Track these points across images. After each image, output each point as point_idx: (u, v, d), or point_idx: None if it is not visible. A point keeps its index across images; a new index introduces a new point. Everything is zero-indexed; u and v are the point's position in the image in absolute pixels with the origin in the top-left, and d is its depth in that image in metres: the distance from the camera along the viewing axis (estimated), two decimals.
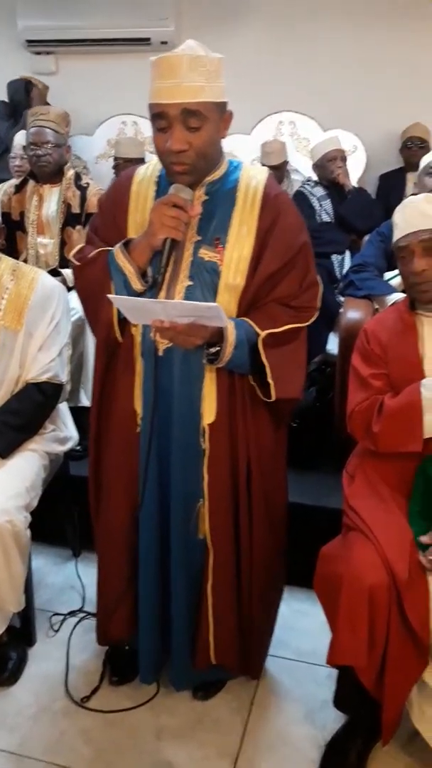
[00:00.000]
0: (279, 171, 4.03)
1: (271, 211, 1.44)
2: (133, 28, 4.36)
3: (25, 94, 4.29)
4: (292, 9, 4.47)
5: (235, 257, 1.43)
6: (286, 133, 4.46)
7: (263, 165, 4.02)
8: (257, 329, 1.42)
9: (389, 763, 1.57)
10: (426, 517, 1.50)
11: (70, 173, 2.88)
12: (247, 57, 4.56)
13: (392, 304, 2.04)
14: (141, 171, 1.52)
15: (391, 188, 4.09)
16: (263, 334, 1.41)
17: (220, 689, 1.80)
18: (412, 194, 2.52)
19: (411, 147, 4.01)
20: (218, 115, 1.36)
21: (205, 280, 1.43)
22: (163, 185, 1.46)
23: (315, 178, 3.65)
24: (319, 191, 3.53)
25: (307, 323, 1.52)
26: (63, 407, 2.13)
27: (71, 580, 2.25)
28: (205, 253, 1.42)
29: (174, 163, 1.34)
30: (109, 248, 1.45)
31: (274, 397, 1.46)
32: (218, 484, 1.53)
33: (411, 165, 3.89)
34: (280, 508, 1.69)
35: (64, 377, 1.97)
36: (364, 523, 1.48)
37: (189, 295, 1.43)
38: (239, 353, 1.40)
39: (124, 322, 1.46)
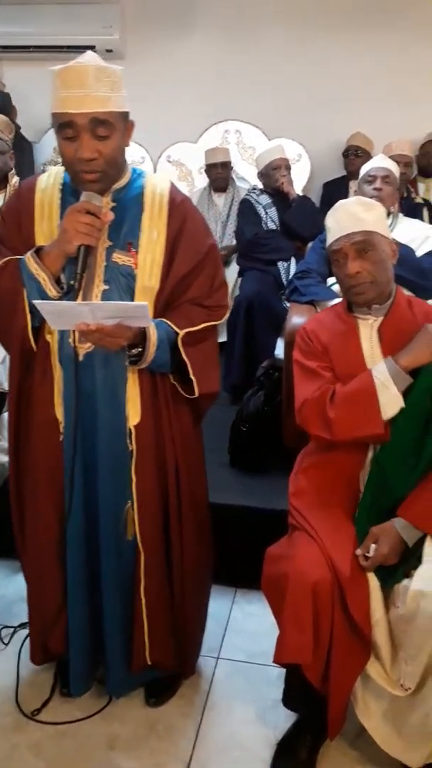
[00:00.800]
0: (224, 170, 4.09)
1: (178, 217, 1.50)
2: (78, 35, 4.36)
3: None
4: (237, 19, 4.55)
5: (148, 260, 1.47)
6: (232, 142, 4.52)
7: (209, 165, 4.11)
8: (176, 328, 1.47)
9: (338, 759, 1.60)
10: (376, 511, 1.52)
11: (14, 180, 2.85)
12: (193, 66, 4.61)
13: (328, 307, 2.07)
14: (43, 179, 1.54)
15: (335, 196, 4.16)
16: (182, 333, 1.47)
17: (173, 695, 1.80)
18: None
19: (351, 156, 4.12)
20: (123, 125, 1.40)
21: (122, 284, 1.47)
22: (67, 193, 1.49)
23: (260, 186, 3.71)
24: (265, 199, 3.58)
25: (220, 321, 1.59)
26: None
27: (21, 592, 2.20)
28: (119, 258, 1.46)
29: (84, 171, 1.37)
30: (19, 257, 1.45)
31: (197, 394, 1.52)
32: (147, 484, 1.56)
33: (353, 173, 3.99)
34: (204, 502, 1.75)
35: (6, 385, 1.94)
36: (308, 523, 1.51)
37: (106, 298, 1.46)
38: (161, 353, 1.44)
39: (36, 330, 1.47)
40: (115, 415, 1.51)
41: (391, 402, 1.50)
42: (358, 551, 1.46)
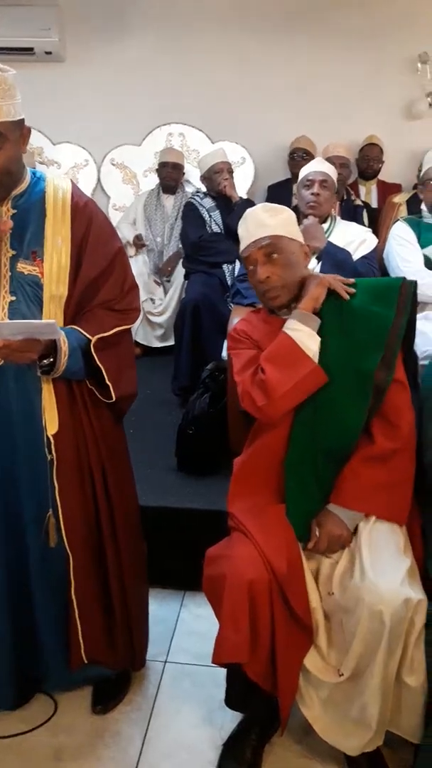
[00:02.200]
0: (175, 172, 4.10)
1: (82, 220, 1.50)
2: (15, 37, 4.29)
3: None
4: (179, 22, 4.55)
5: (54, 268, 1.47)
6: (176, 145, 4.53)
7: (160, 163, 4.12)
8: (87, 335, 1.47)
9: (282, 755, 1.62)
10: (304, 497, 1.56)
11: None
12: (135, 69, 4.59)
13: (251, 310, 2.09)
14: None
15: (279, 199, 4.22)
16: (94, 339, 1.48)
17: (119, 702, 1.79)
18: (295, 206, 2.65)
19: (296, 159, 4.17)
20: (18, 133, 1.40)
21: (29, 294, 1.46)
22: None
23: (204, 189, 3.74)
24: (208, 202, 3.61)
25: (131, 324, 1.60)
26: None
27: None
28: (24, 267, 1.45)
29: None
30: None
31: (114, 398, 1.53)
32: (70, 491, 1.56)
33: (296, 176, 4.04)
34: (133, 498, 1.76)
35: None
36: (243, 525, 1.53)
37: (14, 310, 1.44)
38: (73, 361, 1.44)
39: None
40: (31, 425, 1.50)
41: (308, 338, 1.53)
42: (310, 545, 1.50)
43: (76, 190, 1.53)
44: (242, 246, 1.64)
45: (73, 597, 1.60)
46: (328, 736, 1.48)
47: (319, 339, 1.54)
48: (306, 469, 1.57)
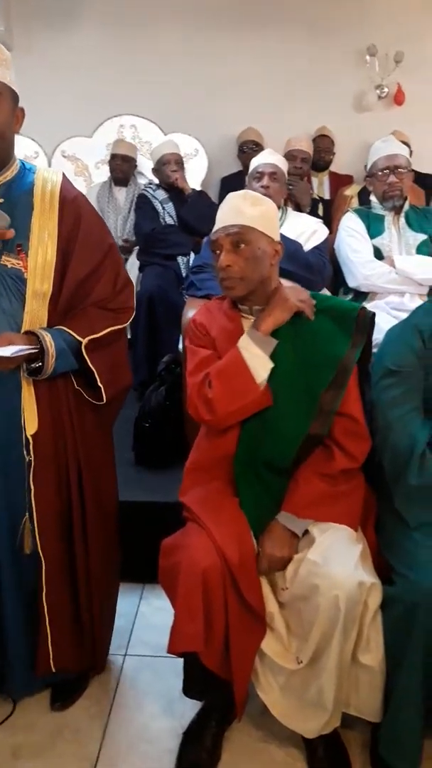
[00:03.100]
0: (125, 164, 4.07)
1: (71, 215, 1.45)
2: None
3: None
4: (130, 12, 4.51)
5: (39, 263, 1.42)
6: (128, 137, 4.48)
7: (111, 155, 4.10)
8: (77, 337, 1.43)
9: (243, 740, 1.64)
10: (255, 490, 1.59)
11: None
12: (85, 59, 4.54)
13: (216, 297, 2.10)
14: None
15: (233, 190, 4.22)
16: (85, 341, 1.43)
17: (78, 697, 1.78)
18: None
19: (247, 151, 4.19)
20: (13, 104, 1.37)
21: (11, 288, 1.42)
22: None
23: (157, 181, 3.72)
24: (161, 194, 3.59)
25: (125, 324, 1.56)
26: None
27: None
28: (8, 260, 1.41)
29: None
30: None
31: (105, 400, 1.49)
32: (46, 494, 1.53)
33: (248, 168, 4.05)
34: (113, 506, 1.74)
35: None
36: (197, 515, 1.54)
37: None
38: (63, 362, 1.41)
39: None
40: (10, 425, 1.47)
41: (260, 365, 1.52)
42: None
43: (66, 184, 1.49)
44: (214, 229, 1.62)
45: (45, 603, 1.58)
46: (286, 720, 1.50)
47: (271, 365, 1.54)
48: (252, 474, 1.60)
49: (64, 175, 1.53)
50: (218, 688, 1.51)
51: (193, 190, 3.65)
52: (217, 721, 1.61)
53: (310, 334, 1.61)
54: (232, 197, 1.63)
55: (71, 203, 1.46)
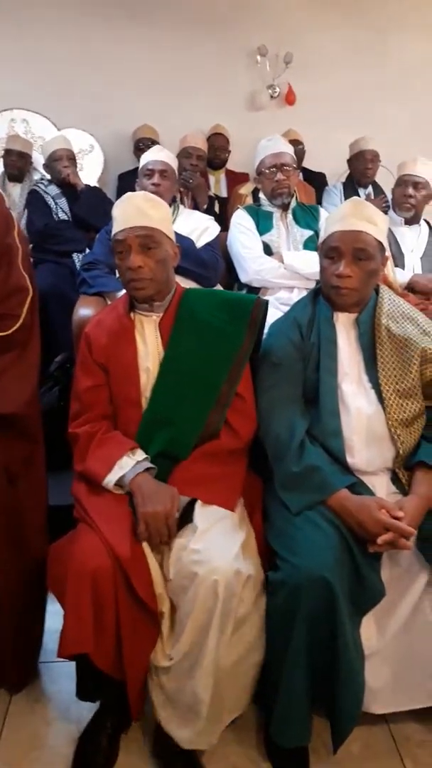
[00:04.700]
0: (19, 160, 3.95)
1: None
2: None
3: None
4: (22, 4, 4.36)
5: None
6: (19, 132, 4.35)
7: (5, 150, 3.96)
8: None
9: (138, 739, 1.63)
10: None
11: None
12: None
13: (110, 304, 2.10)
14: None
15: (130, 188, 4.18)
16: None
17: None
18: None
19: (142, 147, 4.15)
20: None
21: None
22: None
23: (49, 177, 3.63)
24: (54, 190, 3.52)
25: (7, 332, 1.49)
26: None
27: None
28: None
29: None
30: None
31: None
32: None
33: None
34: (33, 520, 1.70)
35: None
36: (87, 513, 1.52)
37: None
38: None
39: None
40: None
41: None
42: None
43: None
44: (117, 227, 1.64)
45: None
46: (165, 724, 1.49)
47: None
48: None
49: None
50: (112, 689, 1.51)
51: (87, 185, 3.59)
52: (112, 721, 1.59)
53: (208, 329, 1.67)
54: (134, 198, 1.67)
55: None
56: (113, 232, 1.67)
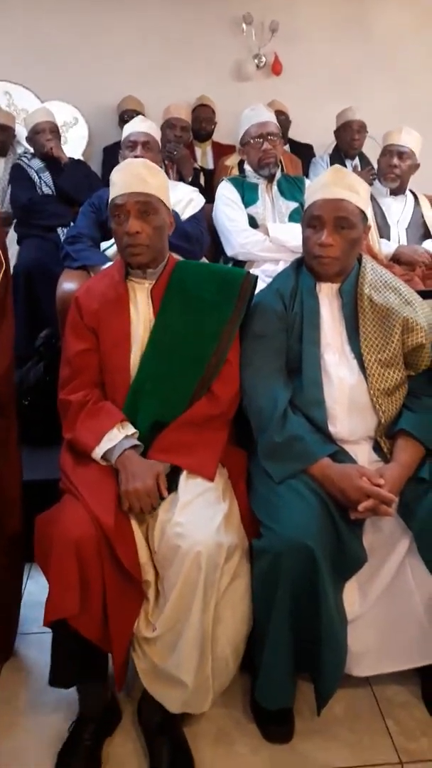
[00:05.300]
0: (3, 134, 3.88)
1: None
2: None
3: None
4: None
5: None
6: (2, 104, 4.27)
7: None
8: None
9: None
10: None
11: None
12: None
13: (101, 270, 2.10)
14: None
15: (114, 160, 4.14)
16: None
17: None
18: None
19: (127, 119, 4.06)
20: None
21: None
22: None
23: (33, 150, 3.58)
24: (37, 163, 3.47)
25: None
26: None
27: None
28: None
29: None
30: None
31: None
32: None
33: None
34: (14, 498, 1.72)
35: None
36: (72, 484, 1.53)
37: None
38: None
39: None
40: None
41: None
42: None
43: None
44: (115, 192, 1.65)
45: None
46: (151, 689, 1.51)
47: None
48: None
49: None
50: (89, 670, 1.49)
51: (71, 159, 3.54)
52: (92, 733, 1.52)
53: (198, 301, 1.69)
54: (134, 164, 1.70)
55: None
56: (111, 197, 1.68)
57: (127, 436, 1.58)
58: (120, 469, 1.54)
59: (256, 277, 1.76)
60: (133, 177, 1.64)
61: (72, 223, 3.39)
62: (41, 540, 1.50)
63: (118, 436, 1.57)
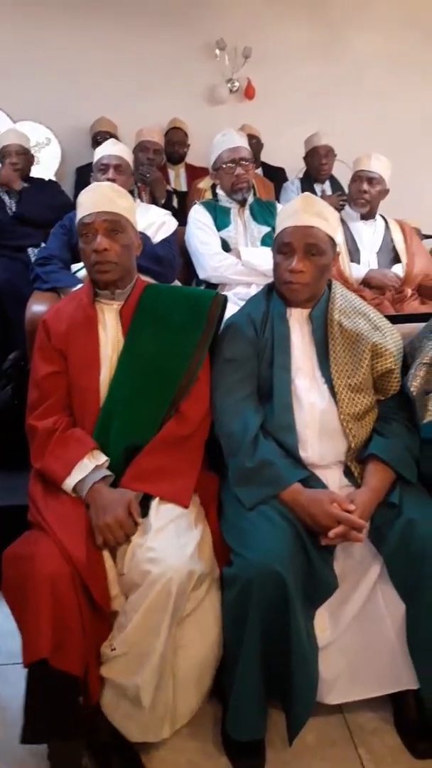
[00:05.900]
0: None
1: None
2: None
3: None
4: None
5: None
6: None
7: None
8: None
9: None
10: None
11: None
12: None
13: (69, 293, 2.09)
14: None
15: (87, 181, 4.14)
16: None
17: None
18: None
19: (100, 141, 4.08)
20: None
21: None
22: None
23: None
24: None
25: None
26: None
27: None
28: None
29: None
30: None
31: None
32: None
33: None
34: None
35: None
36: (42, 517, 1.50)
37: None
38: None
39: None
40: None
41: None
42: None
43: None
44: (83, 212, 1.67)
45: None
46: (112, 718, 1.47)
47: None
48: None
49: None
50: (67, 716, 1.40)
51: (37, 179, 3.51)
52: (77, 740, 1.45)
53: (169, 322, 1.70)
54: (102, 187, 1.73)
55: None
56: (79, 217, 1.70)
57: (97, 466, 1.56)
58: (90, 503, 1.52)
59: (226, 299, 1.77)
60: (101, 197, 1.68)
61: (42, 244, 3.38)
62: (11, 577, 1.45)
63: (89, 466, 1.55)
